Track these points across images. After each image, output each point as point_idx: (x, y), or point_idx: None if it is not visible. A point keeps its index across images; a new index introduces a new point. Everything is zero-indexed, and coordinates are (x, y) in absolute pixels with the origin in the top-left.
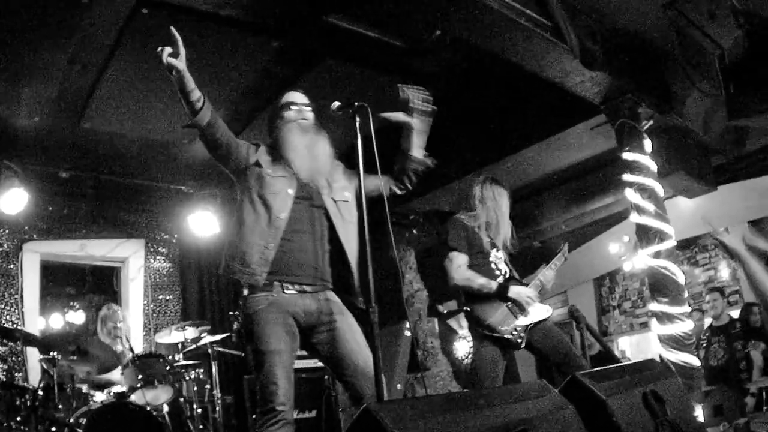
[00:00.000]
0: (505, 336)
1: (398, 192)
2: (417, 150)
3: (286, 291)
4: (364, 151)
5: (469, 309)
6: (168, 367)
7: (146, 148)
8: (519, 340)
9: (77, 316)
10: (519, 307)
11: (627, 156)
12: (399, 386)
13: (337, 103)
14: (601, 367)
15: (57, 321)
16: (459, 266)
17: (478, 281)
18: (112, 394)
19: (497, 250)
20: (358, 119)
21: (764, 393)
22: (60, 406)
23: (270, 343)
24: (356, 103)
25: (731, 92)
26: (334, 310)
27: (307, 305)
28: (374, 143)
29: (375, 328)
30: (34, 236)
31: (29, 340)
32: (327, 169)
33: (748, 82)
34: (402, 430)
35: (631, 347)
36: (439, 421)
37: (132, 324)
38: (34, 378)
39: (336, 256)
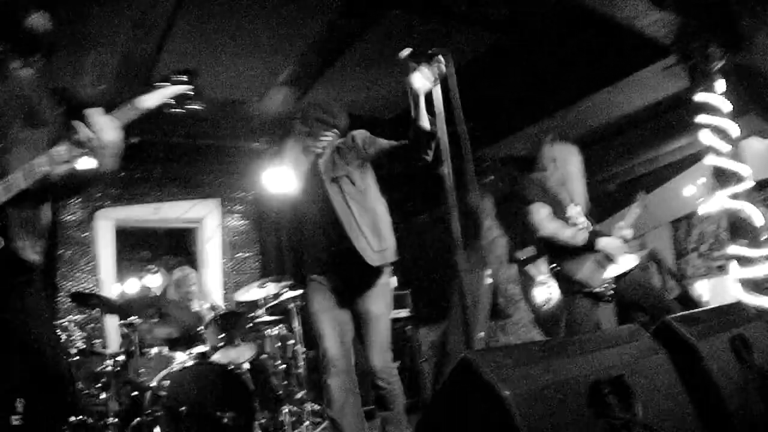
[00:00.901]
0: (596, 290)
1: (417, 163)
2: (422, 120)
3: None
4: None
5: (557, 266)
6: (249, 325)
7: (216, 108)
8: (610, 293)
9: (154, 280)
10: (606, 259)
11: (699, 97)
12: (481, 334)
13: (408, 50)
14: (691, 311)
15: (133, 286)
16: (544, 217)
17: (566, 232)
18: (193, 354)
19: (575, 206)
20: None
21: None
22: (141, 371)
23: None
24: (431, 50)
25: None
26: None
27: None
28: (456, 91)
29: (462, 276)
30: (107, 203)
31: (108, 306)
32: None
33: None
34: (500, 378)
35: (708, 291)
36: (535, 368)
37: (210, 284)
38: (114, 344)
39: None
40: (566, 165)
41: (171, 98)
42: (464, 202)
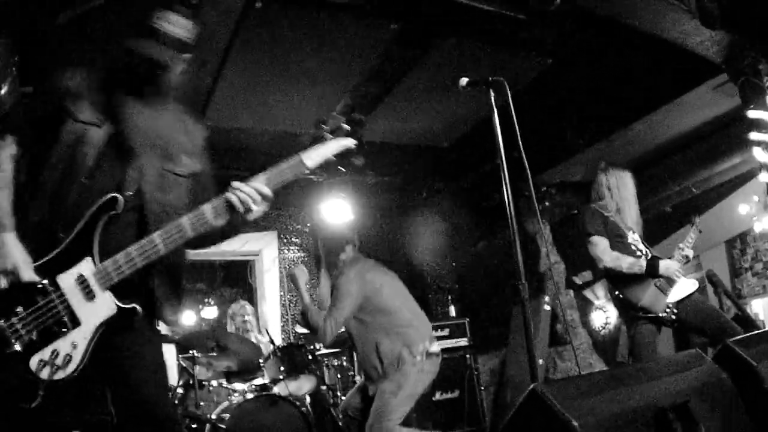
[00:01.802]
0: (660, 315)
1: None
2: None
3: None
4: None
5: (619, 294)
6: (310, 357)
7: (271, 140)
8: (672, 317)
9: (211, 312)
10: (667, 283)
11: (752, 114)
12: (541, 361)
13: (465, 80)
14: (751, 333)
15: (190, 318)
16: (605, 249)
17: (628, 260)
18: (253, 387)
19: (633, 233)
20: (492, 94)
21: None
22: (201, 404)
23: None
24: (491, 78)
25: None
26: None
27: None
28: (513, 116)
29: (525, 304)
30: None
31: (167, 339)
32: None
33: None
34: (570, 409)
35: (765, 310)
36: (602, 398)
37: (269, 316)
38: (173, 377)
39: None
40: (621, 191)
41: (335, 154)
42: (523, 229)
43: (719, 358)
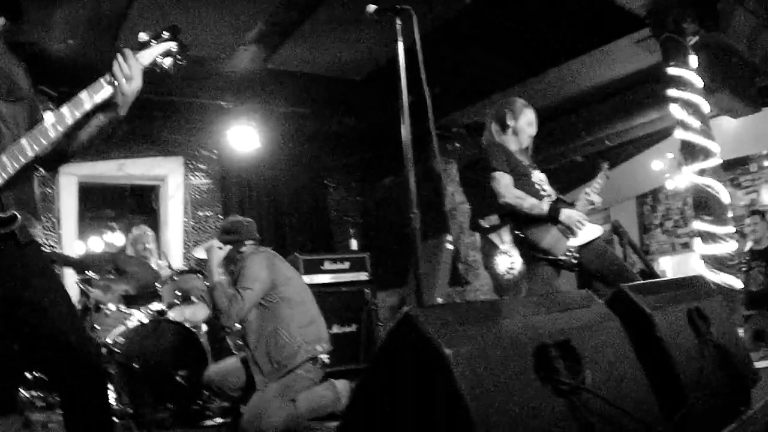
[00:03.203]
0: (560, 258)
1: None
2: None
3: None
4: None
5: (521, 233)
6: (207, 284)
7: (185, 66)
8: (573, 261)
9: (116, 237)
10: (569, 228)
11: (672, 71)
12: (439, 300)
13: (373, 6)
14: (647, 281)
15: (96, 243)
16: (507, 185)
17: (530, 201)
18: (150, 312)
19: (538, 171)
20: (399, 24)
21: None
22: (97, 327)
23: None
24: (398, 6)
25: None
26: None
27: None
28: (419, 52)
29: (416, 235)
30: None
31: (66, 261)
32: None
33: None
34: (443, 337)
35: (672, 268)
36: (481, 328)
37: (171, 242)
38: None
39: None
40: (527, 129)
41: (160, 55)
42: (428, 167)
43: (612, 301)
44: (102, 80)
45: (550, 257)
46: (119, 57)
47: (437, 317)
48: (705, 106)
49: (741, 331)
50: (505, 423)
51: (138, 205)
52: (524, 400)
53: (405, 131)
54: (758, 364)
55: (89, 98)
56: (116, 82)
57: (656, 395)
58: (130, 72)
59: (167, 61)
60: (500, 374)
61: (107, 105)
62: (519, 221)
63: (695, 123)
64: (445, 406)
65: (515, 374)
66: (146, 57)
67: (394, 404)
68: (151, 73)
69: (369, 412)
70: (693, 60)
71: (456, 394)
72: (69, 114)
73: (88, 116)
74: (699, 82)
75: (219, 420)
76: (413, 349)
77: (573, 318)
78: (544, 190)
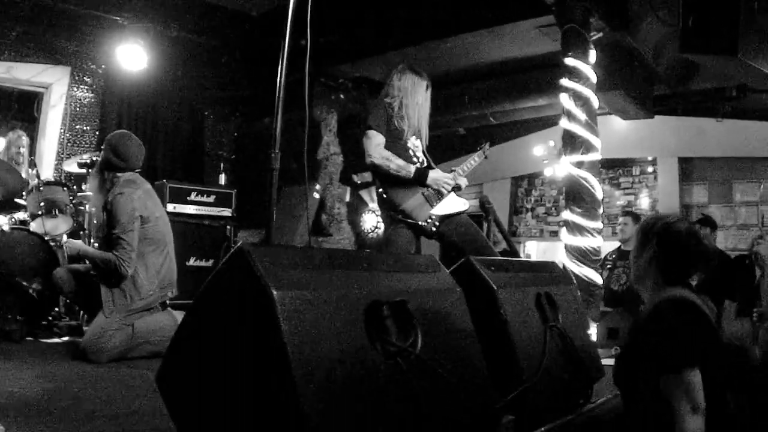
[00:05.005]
0: (419, 223)
1: None
2: None
3: None
4: None
5: (383, 192)
6: (72, 197)
7: None
8: (433, 229)
9: None
10: (435, 195)
11: (569, 61)
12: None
13: None
14: (498, 257)
15: None
16: (377, 144)
17: (397, 162)
18: (13, 220)
19: (415, 138)
20: None
21: None
22: None
23: None
24: None
25: (689, 26)
26: None
27: None
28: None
29: (274, 175)
30: None
31: None
32: None
33: (708, 20)
34: (272, 277)
35: (538, 253)
36: (314, 274)
37: (45, 152)
38: None
39: None
40: (412, 96)
41: None
42: (311, 115)
43: (458, 272)
44: None
45: (410, 221)
46: None
47: (271, 257)
48: (595, 102)
49: (594, 326)
50: (324, 375)
51: (20, 111)
52: (349, 356)
53: (281, 71)
54: (606, 361)
55: None
56: None
57: (493, 372)
58: None
59: None
60: (329, 325)
61: None
62: (384, 181)
63: (581, 116)
64: (266, 347)
65: (344, 327)
66: None
67: (220, 335)
68: None
69: (194, 340)
70: (592, 55)
71: (278, 337)
72: None
73: None
74: (593, 77)
75: (66, 338)
76: (241, 284)
77: (414, 281)
78: (416, 157)
